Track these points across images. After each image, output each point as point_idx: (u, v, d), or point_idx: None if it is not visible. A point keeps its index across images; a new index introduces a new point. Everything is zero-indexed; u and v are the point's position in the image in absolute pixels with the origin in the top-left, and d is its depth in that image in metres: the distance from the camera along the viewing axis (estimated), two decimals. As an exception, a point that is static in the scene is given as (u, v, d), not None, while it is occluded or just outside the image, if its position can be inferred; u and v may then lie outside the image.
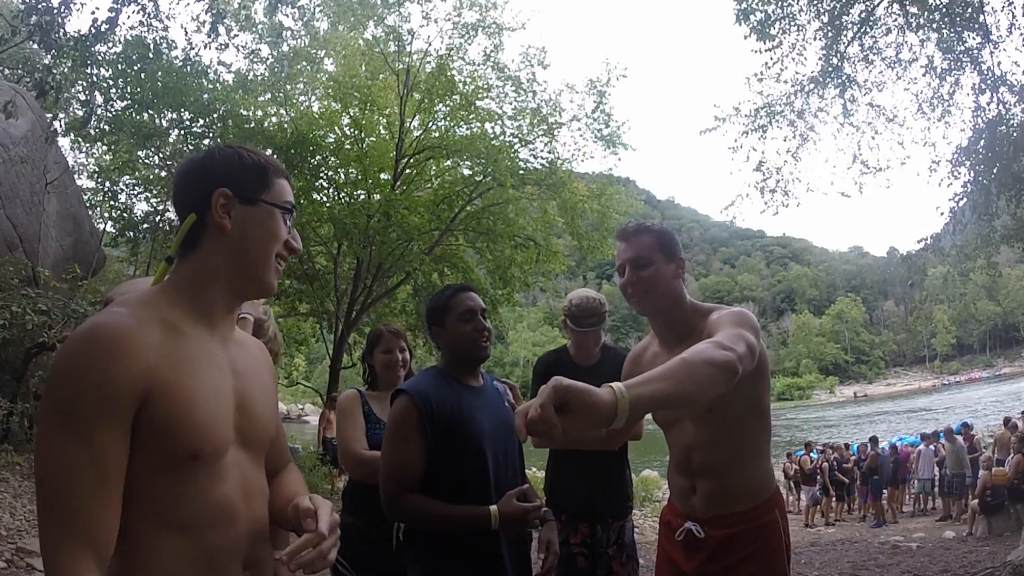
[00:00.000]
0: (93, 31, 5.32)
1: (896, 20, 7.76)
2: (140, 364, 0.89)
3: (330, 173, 12.00)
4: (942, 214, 8.24)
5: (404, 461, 1.77)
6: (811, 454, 13.26)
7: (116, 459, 0.87)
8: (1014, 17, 7.01)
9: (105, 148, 10.64)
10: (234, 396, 1.02)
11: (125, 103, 9.54)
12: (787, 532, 1.75)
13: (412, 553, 1.87)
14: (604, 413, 1.00)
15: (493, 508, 1.72)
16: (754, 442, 1.73)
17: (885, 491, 11.55)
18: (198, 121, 10.11)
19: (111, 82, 9.28)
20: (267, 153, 1.06)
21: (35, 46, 6.71)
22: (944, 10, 7.25)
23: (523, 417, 1.05)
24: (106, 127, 9.61)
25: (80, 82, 9.11)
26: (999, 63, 7.26)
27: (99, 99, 9.40)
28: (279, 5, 7.02)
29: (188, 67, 9.02)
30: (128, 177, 10.77)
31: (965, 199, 8.05)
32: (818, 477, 12.47)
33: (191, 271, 1.03)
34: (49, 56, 6.07)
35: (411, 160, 12.07)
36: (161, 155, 10.56)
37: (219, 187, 1.02)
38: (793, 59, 8.07)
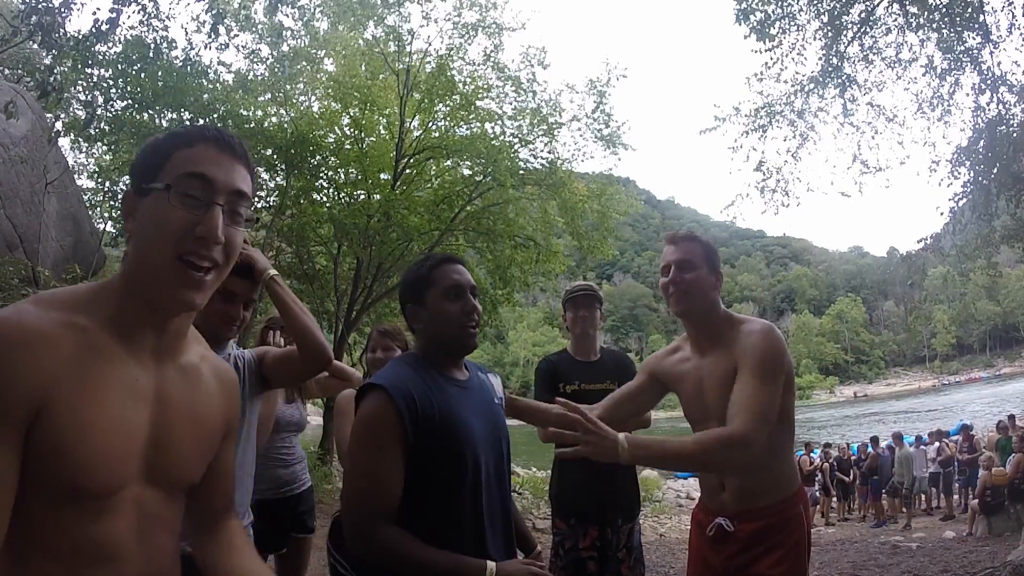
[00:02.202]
0: (94, 31, 5.32)
1: (896, 20, 7.77)
2: (40, 374, 0.76)
3: (330, 173, 11.99)
4: (942, 214, 8.25)
5: (378, 479, 1.37)
6: (811, 454, 13.26)
7: (3, 477, 0.75)
8: (1014, 17, 7.02)
9: (105, 148, 10.63)
10: (149, 428, 0.88)
11: (125, 103, 9.53)
12: (810, 526, 1.85)
13: None
14: (608, 455, 1.56)
15: (491, 565, 1.38)
16: (779, 443, 1.80)
17: (885, 491, 11.56)
18: (198, 121, 10.10)
19: (111, 82, 9.27)
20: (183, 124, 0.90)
21: (35, 46, 6.71)
22: (944, 10, 7.25)
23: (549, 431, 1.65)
24: (106, 127, 9.60)
25: (80, 82, 9.11)
26: (999, 63, 7.27)
27: (99, 99, 9.40)
28: (279, 5, 7.02)
29: (188, 67, 9.01)
30: (128, 177, 10.76)
31: (965, 199, 8.06)
32: (818, 477, 12.47)
33: (119, 280, 0.89)
34: (49, 56, 6.07)
35: (411, 160, 12.07)
36: (161, 155, 10.54)
37: (129, 189, 0.90)
38: (793, 59, 8.08)
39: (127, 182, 0.82)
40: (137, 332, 0.87)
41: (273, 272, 1.84)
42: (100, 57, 7.77)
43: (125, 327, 0.86)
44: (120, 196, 0.77)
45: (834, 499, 12.51)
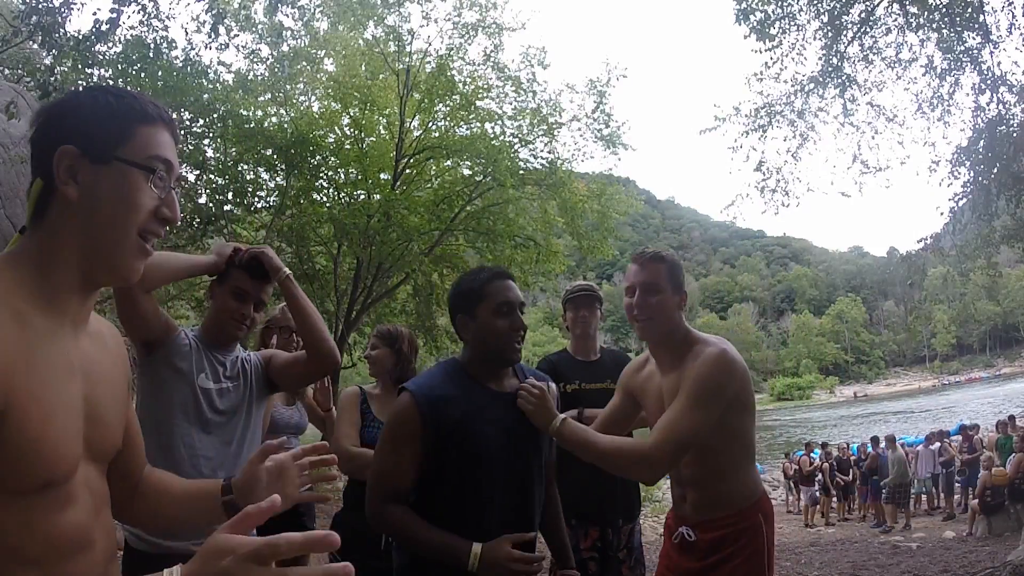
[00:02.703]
0: (93, 31, 5.32)
1: (896, 20, 7.77)
2: (12, 362, 0.71)
3: (330, 173, 12.00)
4: (942, 214, 8.24)
5: (394, 469, 1.57)
6: (811, 454, 13.27)
7: None
8: (1014, 17, 7.02)
9: (105, 148, 10.63)
10: (83, 403, 0.83)
11: (125, 103, 9.53)
12: (771, 536, 1.89)
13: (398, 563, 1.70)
14: (540, 423, 1.68)
15: (476, 546, 1.47)
16: (734, 462, 1.88)
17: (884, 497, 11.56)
18: (198, 121, 10.10)
19: (111, 82, 9.28)
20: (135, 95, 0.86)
21: (35, 46, 6.71)
22: (944, 10, 7.25)
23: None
24: (106, 127, 9.61)
25: (80, 82, 9.10)
26: (999, 63, 7.27)
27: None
28: (279, 5, 7.02)
29: (188, 67, 9.01)
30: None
31: (965, 199, 8.05)
32: (818, 477, 12.47)
33: (37, 247, 0.82)
34: (50, 56, 6.07)
35: (411, 160, 12.07)
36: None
37: (63, 143, 0.80)
38: (793, 59, 8.08)
39: (59, 137, 0.75)
40: (64, 304, 0.82)
41: (288, 272, 1.87)
42: (100, 57, 7.77)
43: (53, 300, 0.81)
44: (55, 151, 0.77)
45: (834, 499, 12.51)
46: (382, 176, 11.90)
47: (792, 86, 8.31)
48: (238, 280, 1.86)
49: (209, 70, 9.99)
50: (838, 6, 7.70)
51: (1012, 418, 10.66)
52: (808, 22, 7.92)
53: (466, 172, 12.65)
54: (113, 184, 0.82)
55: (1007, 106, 7.33)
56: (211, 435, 1.81)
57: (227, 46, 9.08)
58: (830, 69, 8.03)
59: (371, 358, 2.60)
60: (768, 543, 1.88)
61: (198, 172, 9.91)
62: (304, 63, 11.43)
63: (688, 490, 1.91)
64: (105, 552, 0.86)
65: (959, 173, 7.84)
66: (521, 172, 11.71)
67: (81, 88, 0.87)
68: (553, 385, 1.82)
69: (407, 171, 12.19)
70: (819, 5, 7.76)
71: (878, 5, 7.70)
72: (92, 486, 0.85)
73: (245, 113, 10.55)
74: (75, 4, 5.30)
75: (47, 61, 6.71)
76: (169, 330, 1.82)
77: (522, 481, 1.65)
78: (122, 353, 0.99)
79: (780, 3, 7.79)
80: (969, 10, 7.11)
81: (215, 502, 1.07)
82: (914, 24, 7.57)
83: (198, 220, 8.72)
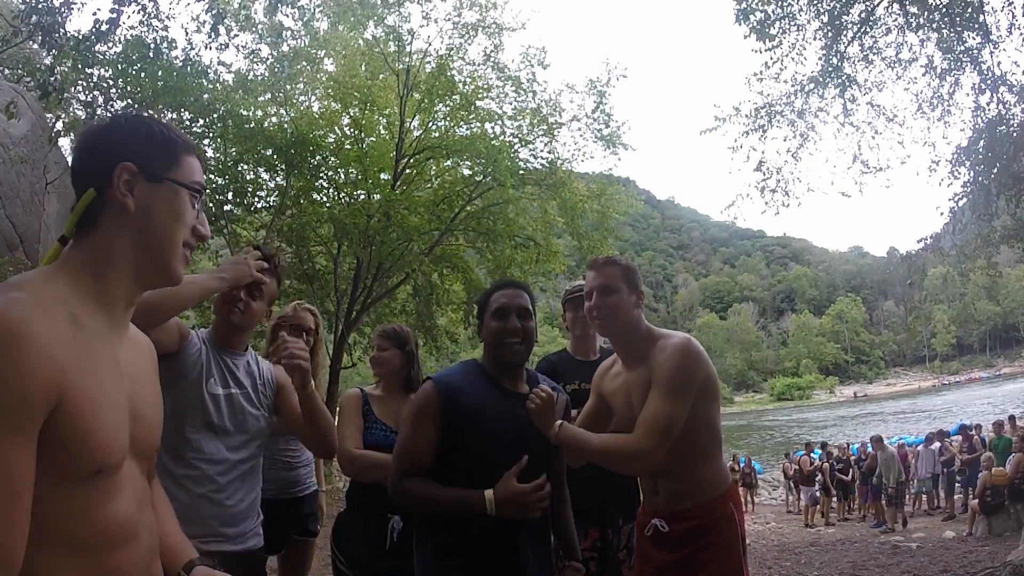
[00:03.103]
0: (93, 31, 5.32)
1: (896, 20, 7.77)
2: (54, 364, 0.77)
3: (330, 173, 12.00)
4: (942, 214, 8.25)
5: (414, 446, 1.72)
6: (811, 454, 13.27)
7: (26, 474, 0.75)
8: (1014, 17, 7.02)
9: (105, 148, 10.63)
10: (128, 402, 0.91)
11: (125, 103, 9.53)
12: (743, 525, 1.96)
13: (421, 544, 1.77)
14: (542, 425, 1.77)
15: (488, 492, 1.62)
16: (704, 450, 1.94)
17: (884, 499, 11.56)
18: (198, 121, 10.11)
19: (111, 82, 9.27)
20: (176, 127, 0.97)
21: (35, 46, 6.71)
22: (944, 10, 7.25)
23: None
24: (106, 127, 9.60)
25: (80, 82, 9.11)
26: (999, 63, 7.27)
27: (99, 99, 9.40)
28: (279, 5, 7.03)
29: (188, 67, 9.01)
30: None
31: (965, 199, 8.06)
32: (818, 477, 12.48)
33: (90, 254, 0.90)
34: (50, 56, 6.07)
35: (411, 160, 12.07)
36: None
37: (122, 160, 0.90)
38: (793, 59, 8.08)
39: (118, 154, 0.84)
40: (112, 309, 0.91)
41: (312, 390, 1.92)
42: (100, 57, 7.77)
43: (104, 305, 0.90)
44: (114, 167, 0.89)
45: (834, 499, 12.52)
46: (382, 176, 11.91)
47: (792, 86, 8.32)
48: None
49: (209, 70, 10.00)
50: (838, 6, 7.71)
51: (1012, 418, 10.66)
52: (808, 22, 7.93)
53: (466, 172, 12.65)
54: (165, 200, 0.94)
55: (1007, 106, 7.34)
56: (219, 440, 1.83)
57: (227, 46, 9.09)
58: (830, 69, 8.03)
59: (379, 359, 2.57)
60: (741, 534, 1.94)
61: (198, 172, 9.92)
62: (304, 63, 11.43)
63: (660, 481, 1.96)
64: (150, 548, 0.95)
65: (959, 173, 7.85)
66: (521, 172, 11.71)
67: (129, 115, 0.99)
68: (564, 396, 1.90)
69: (407, 171, 12.19)
70: (819, 5, 7.76)
71: (878, 5, 7.70)
72: (136, 482, 0.93)
73: (245, 113, 10.55)
74: (75, 4, 5.30)
75: (47, 61, 6.71)
76: (182, 339, 1.83)
77: (531, 475, 1.71)
78: (155, 359, 1.09)
79: (780, 3, 7.79)
80: (969, 10, 7.11)
81: (171, 569, 1.08)
82: (914, 24, 7.58)
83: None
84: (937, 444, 11.65)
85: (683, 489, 1.92)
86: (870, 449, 12.25)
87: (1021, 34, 7.05)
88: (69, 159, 11.84)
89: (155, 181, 0.93)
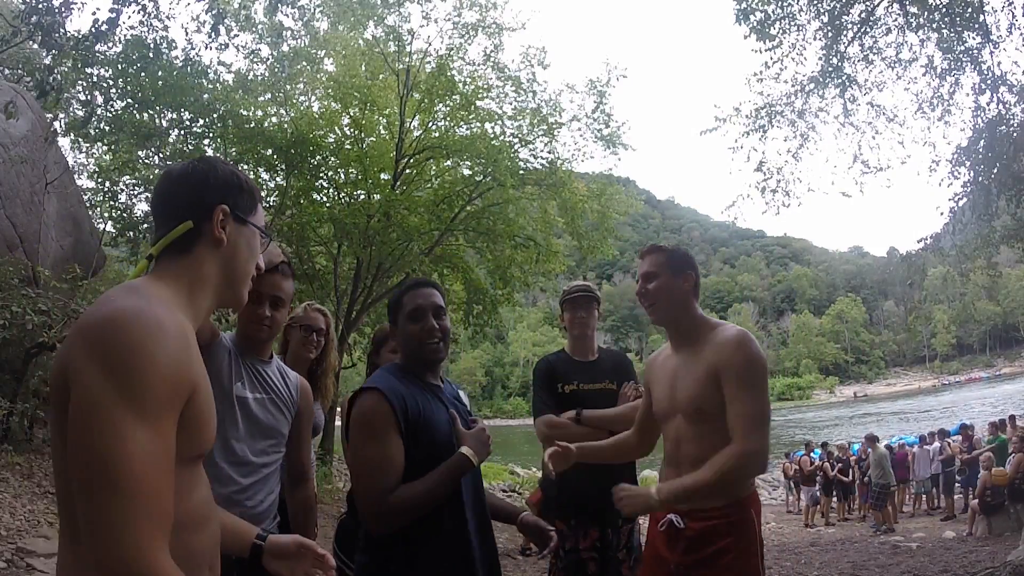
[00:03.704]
0: (93, 31, 5.32)
1: (896, 20, 7.77)
2: (192, 358, 0.93)
3: (330, 173, 12.00)
4: (942, 214, 8.25)
5: (382, 462, 1.60)
6: (811, 454, 13.25)
7: (174, 449, 0.88)
8: (1014, 17, 7.02)
9: (105, 148, 10.64)
10: None
11: (125, 103, 9.53)
12: (760, 534, 1.91)
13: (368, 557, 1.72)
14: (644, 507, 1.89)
15: (464, 449, 1.67)
16: None
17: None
18: (198, 121, 10.11)
19: (111, 82, 9.27)
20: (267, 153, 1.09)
21: (35, 46, 6.71)
22: (944, 10, 7.25)
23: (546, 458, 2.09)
24: (106, 127, 9.60)
25: (80, 82, 9.11)
26: (999, 63, 7.26)
27: (99, 99, 9.40)
28: (279, 5, 7.02)
29: (188, 67, 9.01)
30: (128, 177, 10.77)
31: (965, 199, 8.05)
32: (818, 477, 12.46)
33: (187, 274, 1.04)
34: (49, 56, 6.07)
35: (411, 160, 12.07)
36: (161, 155, 10.56)
37: (220, 202, 1.07)
38: (793, 59, 8.08)
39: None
40: (196, 321, 1.06)
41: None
42: (100, 57, 7.76)
43: (194, 317, 1.05)
44: (215, 206, 1.09)
45: (834, 499, 12.51)
46: (382, 176, 11.91)
47: (792, 86, 8.31)
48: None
49: (209, 70, 10.00)
50: (838, 6, 7.70)
51: (1012, 418, 10.65)
52: (808, 22, 7.93)
53: (466, 172, 12.65)
54: (247, 240, 1.12)
55: (1007, 106, 7.33)
56: (244, 442, 1.84)
57: (227, 46, 9.10)
58: (830, 69, 8.02)
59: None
60: (759, 543, 1.88)
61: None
62: (304, 63, 11.44)
63: (684, 471, 1.90)
64: (215, 536, 1.07)
65: (959, 173, 7.84)
66: (521, 172, 11.71)
67: (223, 162, 1.14)
68: (464, 393, 1.99)
69: (407, 171, 12.19)
70: (819, 5, 7.76)
71: (878, 5, 7.69)
72: (204, 473, 1.07)
73: (245, 113, 10.55)
74: (75, 4, 5.29)
75: (47, 61, 6.71)
76: (213, 336, 1.86)
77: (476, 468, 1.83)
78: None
79: (780, 3, 7.79)
80: (969, 10, 7.11)
81: (246, 541, 1.32)
82: (914, 24, 7.57)
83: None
84: (935, 444, 11.65)
85: None
86: (869, 449, 12.24)
87: (1021, 34, 7.05)
88: (69, 159, 11.84)
89: (241, 223, 1.11)
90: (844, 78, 8.11)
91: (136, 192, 10.97)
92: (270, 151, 10.71)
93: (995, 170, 7.38)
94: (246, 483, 1.84)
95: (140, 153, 10.61)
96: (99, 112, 9.25)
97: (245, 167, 10.81)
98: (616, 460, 2.41)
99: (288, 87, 11.44)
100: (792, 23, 7.89)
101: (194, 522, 0.98)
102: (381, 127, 12.47)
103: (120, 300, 0.91)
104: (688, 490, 1.79)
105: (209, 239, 1.06)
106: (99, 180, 11.06)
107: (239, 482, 1.82)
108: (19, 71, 10.06)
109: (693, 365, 1.91)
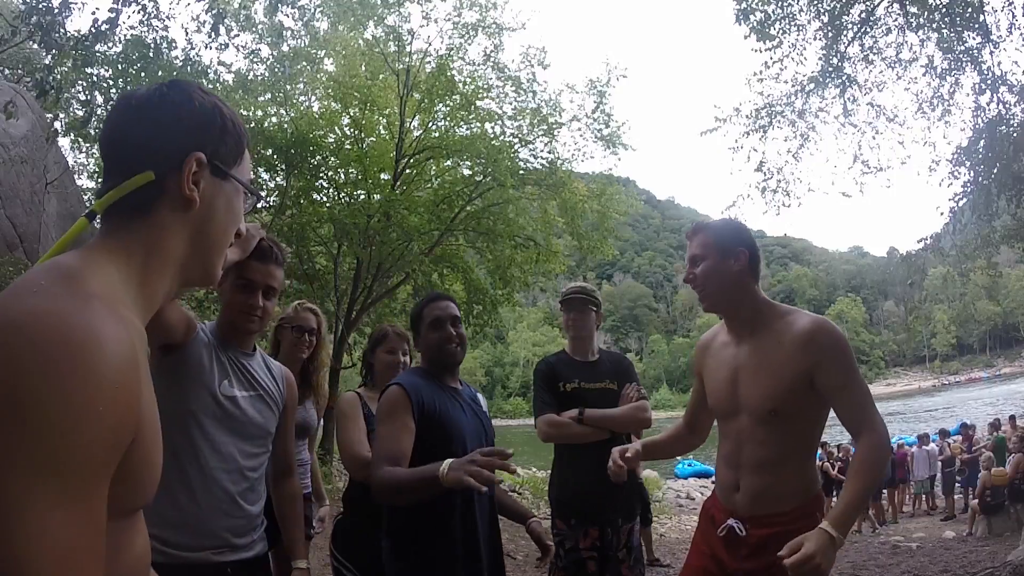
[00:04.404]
0: (93, 31, 5.32)
1: (896, 20, 7.77)
2: (137, 392, 0.64)
3: (330, 173, 12.00)
4: (942, 214, 8.24)
5: (391, 438, 1.81)
6: (811, 454, 13.24)
7: (104, 523, 0.61)
8: (1014, 17, 7.02)
9: (105, 148, 10.63)
10: None
11: (125, 103, 9.53)
12: None
13: (391, 545, 1.90)
14: (830, 552, 1.50)
15: (445, 463, 1.60)
16: (807, 445, 1.78)
17: (884, 491, 11.56)
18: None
19: (111, 82, 9.27)
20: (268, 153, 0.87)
21: (35, 46, 6.71)
22: (944, 10, 7.25)
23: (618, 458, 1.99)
24: (106, 127, 9.60)
25: (80, 82, 9.10)
26: (999, 63, 7.26)
27: (99, 99, 9.39)
28: (279, 5, 7.02)
29: (188, 67, 9.00)
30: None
31: (965, 199, 8.05)
32: (818, 477, 12.46)
33: (140, 246, 0.75)
34: (49, 56, 6.07)
35: (411, 160, 12.07)
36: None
37: (194, 148, 0.78)
38: (793, 59, 8.08)
39: (189, 139, 0.71)
40: (149, 310, 0.78)
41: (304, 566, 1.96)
42: (100, 57, 7.76)
43: (143, 305, 0.76)
44: (186, 155, 0.75)
45: (834, 499, 12.50)
46: (382, 176, 11.91)
47: (792, 86, 8.31)
48: (242, 270, 1.74)
49: (209, 70, 9.99)
50: (838, 6, 7.70)
51: (1012, 418, 10.65)
52: (808, 22, 7.92)
53: (466, 172, 12.65)
54: (227, 199, 0.84)
55: (1007, 106, 7.33)
56: (233, 445, 1.73)
57: (227, 46, 9.07)
58: (830, 69, 8.03)
59: (402, 363, 2.60)
60: None
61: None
62: (304, 63, 11.42)
63: (745, 474, 1.75)
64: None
65: (959, 173, 7.84)
66: (521, 172, 11.71)
67: (200, 92, 0.82)
68: (483, 398, 2.22)
69: (407, 171, 12.18)
70: (819, 5, 7.76)
71: (878, 5, 7.69)
72: (142, 520, 0.81)
73: (245, 113, 10.55)
74: (75, 4, 5.29)
75: (47, 61, 6.71)
76: (190, 331, 1.70)
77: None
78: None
79: (780, 3, 7.79)
80: (969, 10, 7.11)
81: None
82: (914, 24, 7.57)
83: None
84: (933, 445, 11.66)
85: (773, 488, 1.71)
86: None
87: (1021, 34, 7.05)
88: (69, 159, 11.85)
89: (220, 176, 0.82)
90: (844, 78, 8.12)
91: (136, 192, 10.95)
92: (270, 151, 10.71)
93: (995, 170, 7.37)
94: (236, 490, 1.71)
95: (140, 153, 10.60)
96: (99, 112, 9.23)
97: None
98: (674, 455, 2.43)
99: (288, 87, 11.43)
100: (792, 23, 7.89)
101: (141, 571, 0.76)
102: (381, 127, 12.47)
103: (38, 296, 0.61)
104: (854, 509, 1.62)
105: (176, 197, 0.77)
106: (99, 180, 11.06)
107: (229, 490, 1.69)
108: (19, 71, 10.07)
109: (766, 361, 1.71)
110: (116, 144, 0.79)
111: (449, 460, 1.60)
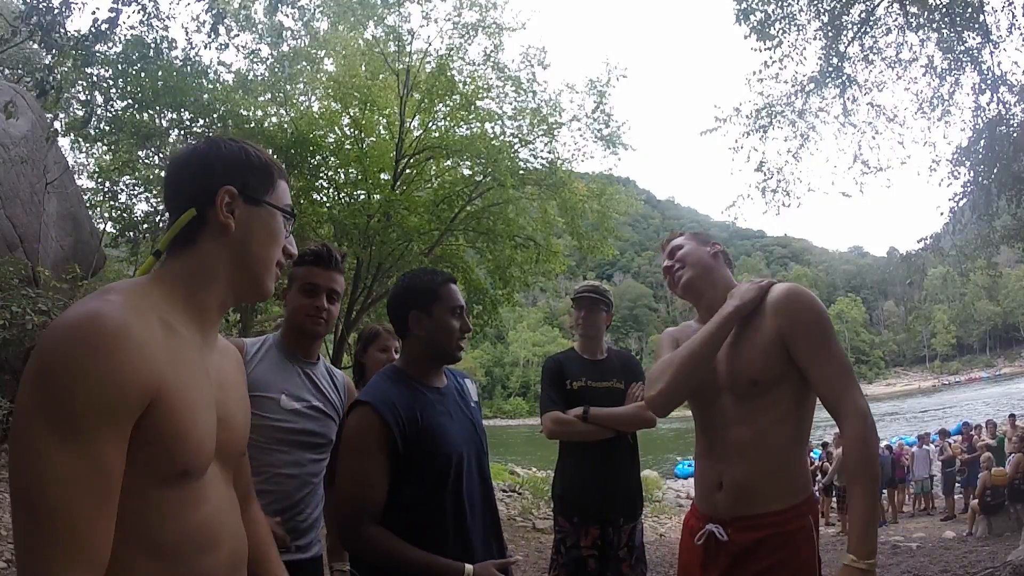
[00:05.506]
0: (93, 31, 5.32)
1: (896, 20, 7.77)
2: (149, 364, 0.80)
3: (330, 173, 11.99)
4: (942, 214, 8.25)
5: (365, 482, 1.54)
6: (811, 454, 13.25)
7: (117, 472, 0.77)
8: (1014, 17, 7.02)
9: (105, 148, 10.64)
10: (216, 407, 0.94)
11: (125, 103, 9.53)
12: (818, 546, 1.60)
13: None
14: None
15: (470, 567, 1.52)
16: (794, 429, 1.58)
17: (884, 491, 11.56)
18: (198, 121, 10.11)
19: (111, 82, 9.28)
20: (269, 153, 0.99)
21: (35, 46, 6.71)
22: (944, 10, 7.25)
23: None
24: (106, 127, 9.61)
25: (80, 82, 9.11)
26: (999, 63, 7.27)
27: (99, 99, 9.40)
28: (279, 5, 7.01)
29: (188, 67, 9.01)
30: (128, 177, 10.76)
31: (965, 199, 8.05)
32: (818, 477, 12.45)
33: (187, 269, 0.94)
34: (49, 56, 6.07)
35: (411, 160, 12.06)
36: (161, 155, 10.56)
37: (225, 184, 0.95)
38: (793, 59, 8.08)
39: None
40: (204, 319, 0.96)
41: (345, 568, 1.95)
42: (100, 57, 7.77)
43: (196, 316, 0.94)
44: (217, 190, 0.95)
45: (834, 499, 12.50)
46: (382, 176, 11.90)
47: (792, 86, 8.32)
48: (306, 276, 1.87)
49: (209, 70, 10.01)
50: (838, 6, 7.70)
51: (1012, 417, 10.65)
52: (808, 22, 7.93)
53: (466, 172, 12.64)
54: (263, 222, 1.00)
55: (1007, 106, 7.34)
56: (296, 454, 1.79)
57: (227, 46, 9.10)
58: (830, 69, 8.03)
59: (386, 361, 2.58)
60: (817, 554, 1.56)
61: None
62: (304, 63, 11.43)
63: (728, 465, 1.58)
64: (232, 554, 0.95)
65: (959, 173, 7.85)
66: (521, 172, 11.70)
67: (227, 139, 1.01)
68: (474, 384, 1.92)
69: (407, 171, 12.18)
70: (819, 5, 7.76)
71: (878, 5, 7.70)
72: (219, 488, 0.96)
73: (245, 113, 10.55)
74: (75, 4, 5.30)
75: (47, 61, 6.71)
76: (240, 348, 1.76)
77: (480, 466, 1.75)
78: (243, 368, 1.13)
79: (780, 3, 7.79)
80: (969, 10, 7.11)
81: None
82: (914, 24, 7.57)
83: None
84: (931, 445, 11.66)
85: (760, 485, 1.54)
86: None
87: (1021, 34, 7.05)
88: (69, 159, 11.85)
89: (253, 204, 0.99)
90: (844, 78, 8.12)
91: (136, 192, 10.97)
92: (270, 151, 10.70)
93: (995, 170, 7.38)
94: (298, 497, 1.81)
95: (140, 153, 10.61)
96: (99, 112, 9.25)
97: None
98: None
99: (288, 87, 11.43)
100: (792, 23, 7.89)
101: (193, 547, 0.87)
102: (381, 127, 12.47)
103: (80, 305, 0.81)
104: (871, 523, 1.49)
105: (215, 226, 0.95)
106: (99, 180, 11.06)
107: (292, 497, 1.79)
108: (19, 71, 10.08)
109: (747, 332, 1.61)
110: (168, 195, 0.99)
111: (471, 569, 1.52)
